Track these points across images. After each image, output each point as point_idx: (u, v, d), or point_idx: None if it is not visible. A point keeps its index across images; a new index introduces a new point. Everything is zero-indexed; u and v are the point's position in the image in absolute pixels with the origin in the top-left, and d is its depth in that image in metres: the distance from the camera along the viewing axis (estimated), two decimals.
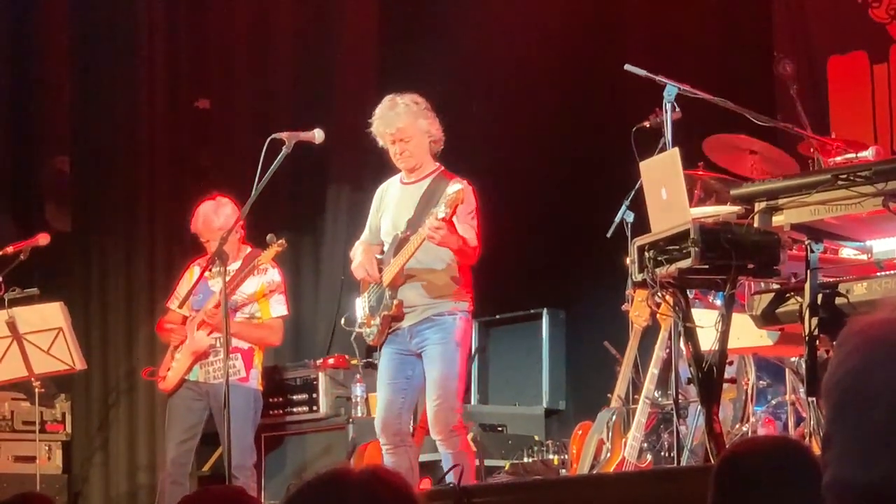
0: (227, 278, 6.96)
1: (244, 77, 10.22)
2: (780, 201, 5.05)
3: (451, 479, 5.94)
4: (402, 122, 6.58)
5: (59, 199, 10.31)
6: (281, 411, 8.86)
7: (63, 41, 10.30)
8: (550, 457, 8.21)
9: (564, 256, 9.10)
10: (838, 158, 6.34)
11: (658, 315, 6.40)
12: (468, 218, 6.47)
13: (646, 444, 6.89)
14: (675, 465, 6.33)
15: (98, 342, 9.82)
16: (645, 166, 5.45)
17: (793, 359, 6.75)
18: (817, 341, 5.04)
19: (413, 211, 6.60)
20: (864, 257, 5.57)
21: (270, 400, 8.52)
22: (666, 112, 6.05)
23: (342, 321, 7.09)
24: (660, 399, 7.21)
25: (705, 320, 5.30)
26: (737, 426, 7.11)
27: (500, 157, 9.33)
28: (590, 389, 8.47)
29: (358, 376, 8.54)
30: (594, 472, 6.63)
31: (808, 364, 5.12)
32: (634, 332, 6.88)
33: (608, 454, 6.72)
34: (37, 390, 8.15)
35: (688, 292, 5.38)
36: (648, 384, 6.71)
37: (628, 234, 6.70)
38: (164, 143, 10.13)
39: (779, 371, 7.14)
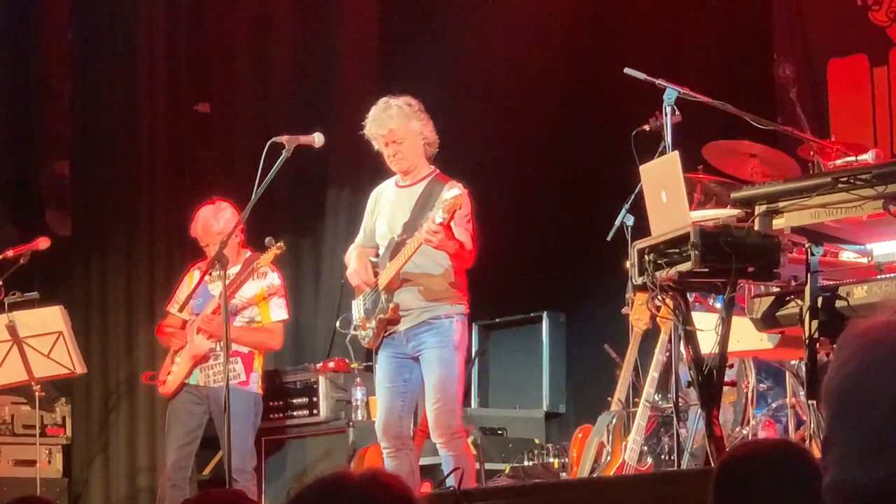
0: (227, 282, 6.96)
1: (244, 80, 10.22)
2: (781, 204, 5.05)
3: (451, 482, 5.94)
4: (394, 123, 6.57)
5: (59, 202, 10.30)
6: (281, 415, 8.85)
7: (63, 42, 10.30)
8: (551, 460, 8.20)
9: (565, 260, 9.09)
10: (838, 161, 6.33)
11: (658, 318, 6.40)
12: (464, 222, 6.47)
13: (646, 448, 6.88)
14: (676, 468, 6.33)
15: (98, 346, 9.81)
16: (645, 170, 5.45)
17: (793, 362, 6.74)
18: (817, 344, 5.04)
19: (409, 214, 6.58)
20: (865, 260, 5.57)
21: (271, 404, 8.52)
22: (666, 115, 6.04)
23: (338, 323, 7.08)
24: (660, 402, 7.20)
25: (705, 323, 5.29)
26: (737, 429, 7.10)
27: (500, 160, 9.32)
28: (590, 393, 8.46)
29: (358, 380, 8.54)
30: (594, 475, 6.62)
31: (808, 367, 5.12)
32: (634, 335, 6.87)
33: (608, 457, 6.72)
34: (37, 394, 8.15)
35: (688, 295, 5.38)
36: (648, 387, 6.71)
37: (628, 237, 6.71)
38: (164, 147, 10.11)
39: (779, 374, 7.14)
